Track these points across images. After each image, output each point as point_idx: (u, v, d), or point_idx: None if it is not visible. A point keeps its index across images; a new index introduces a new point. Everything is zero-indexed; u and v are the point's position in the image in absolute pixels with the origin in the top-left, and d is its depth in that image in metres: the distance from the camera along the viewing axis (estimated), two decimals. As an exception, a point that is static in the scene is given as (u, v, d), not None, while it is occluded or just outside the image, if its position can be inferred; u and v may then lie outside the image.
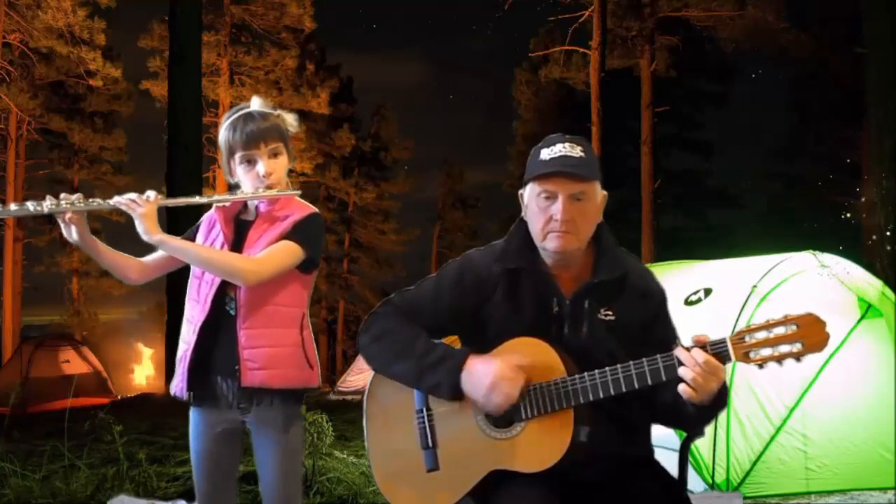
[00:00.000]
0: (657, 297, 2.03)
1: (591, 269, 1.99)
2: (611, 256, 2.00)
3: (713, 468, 4.38)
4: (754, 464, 4.44)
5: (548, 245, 1.93)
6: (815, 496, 4.50)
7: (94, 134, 24.26)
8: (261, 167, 2.18)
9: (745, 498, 4.30)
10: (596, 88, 17.45)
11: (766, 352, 1.76)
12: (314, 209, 2.25)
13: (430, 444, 1.97)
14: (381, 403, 2.07)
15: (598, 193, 1.97)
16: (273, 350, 2.13)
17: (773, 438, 4.49)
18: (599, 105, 17.31)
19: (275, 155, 2.20)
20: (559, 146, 1.93)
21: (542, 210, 1.93)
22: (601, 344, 1.93)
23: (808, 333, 1.74)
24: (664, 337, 1.94)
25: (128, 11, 34.23)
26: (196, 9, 12.03)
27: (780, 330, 1.75)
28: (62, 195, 2.07)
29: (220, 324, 2.15)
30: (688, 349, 1.79)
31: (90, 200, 2.08)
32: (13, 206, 2.05)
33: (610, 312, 1.96)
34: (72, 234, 2.09)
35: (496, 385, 1.84)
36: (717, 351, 1.78)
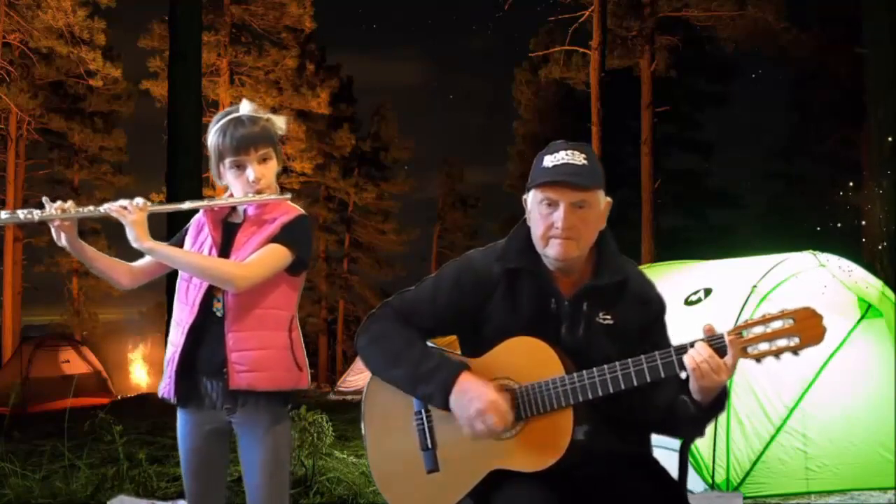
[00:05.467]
0: (656, 306, 2.04)
1: (591, 273, 2.00)
2: (612, 262, 2.01)
3: (713, 468, 4.38)
4: (754, 464, 4.44)
5: (549, 252, 1.94)
6: (815, 496, 4.50)
7: (94, 134, 24.21)
8: (250, 173, 2.18)
9: (745, 498, 4.30)
10: (596, 88, 17.43)
11: (764, 346, 1.77)
12: (301, 211, 2.25)
13: (430, 445, 1.97)
14: (380, 405, 2.07)
15: (601, 201, 1.97)
16: (261, 353, 2.14)
17: (773, 438, 4.49)
18: (599, 105, 17.28)
19: (264, 160, 2.21)
20: (562, 153, 1.92)
21: (543, 217, 1.93)
22: (598, 346, 1.94)
23: (805, 327, 1.75)
24: (661, 344, 1.94)
25: (128, 11, 34.16)
26: (196, 9, 12.01)
27: (777, 324, 1.77)
28: (57, 202, 2.06)
29: (207, 326, 2.16)
30: (692, 344, 1.81)
31: (80, 208, 2.07)
32: (4, 215, 2.04)
33: (609, 316, 1.97)
34: (61, 239, 2.09)
35: (483, 413, 1.84)
36: (715, 346, 1.79)
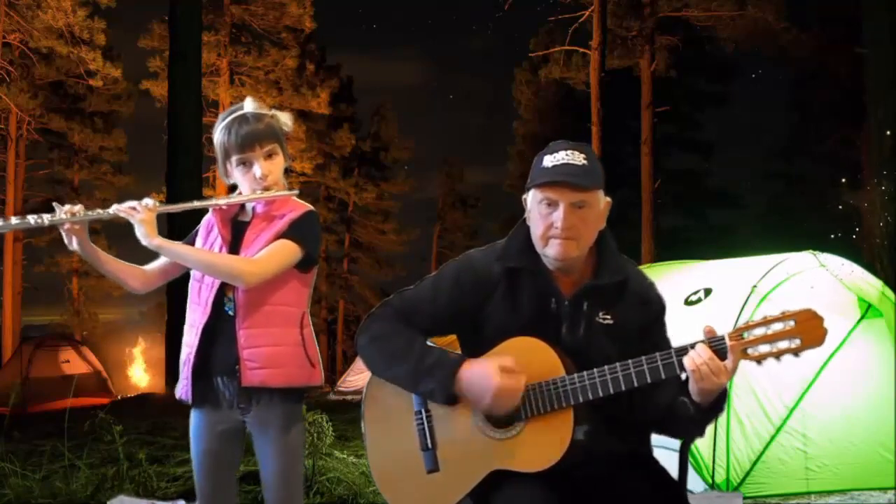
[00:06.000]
0: (657, 306, 2.04)
1: (591, 273, 2.00)
2: (612, 262, 2.01)
3: (713, 468, 4.38)
4: (754, 464, 4.44)
5: (549, 252, 1.94)
6: (815, 496, 4.50)
7: (94, 134, 24.25)
8: (257, 169, 2.19)
9: (745, 498, 4.30)
10: (596, 88, 17.46)
11: (765, 348, 1.77)
12: (310, 207, 2.26)
13: (430, 445, 1.97)
14: (380, 405, 2.07)
15: (601, 201, 1.97)
16: (273, 349, 2.14)
17: (773, 438, 4.49)
18: (599, 105, 17.31)
19: (270, 156, 2.21)
20: (562, 153, 1.93)
21: (543, 217, 1.93)
22: (598, 346, 1.94)
23: (806, 329, 1.75)
24: (660, 344, 1.94)
25: (128, 11, 34.18)
26: (196, 9, 12.03)
27: (777, 326, 1.76)
28: (66, 206, 2.07)
29: (220, 325, 2.17)
30: (692, 345, 1.81)
31: (90, 211, 2.08)
32: (14, 220, 2.06)
33: (609, 316, 1.97)
34: (72, 243, 2.10)
35: (500, 389, 1.84)
36: (716, 347, 1.79)
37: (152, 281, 2.27)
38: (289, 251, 2.14)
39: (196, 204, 2.21)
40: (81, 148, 24.87)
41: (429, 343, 2.02)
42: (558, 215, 1.90)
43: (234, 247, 2.20)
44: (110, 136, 24.81)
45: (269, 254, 2.13)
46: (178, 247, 2.15)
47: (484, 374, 1.87)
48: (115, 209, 2.09)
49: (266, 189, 2.20)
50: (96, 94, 23.45)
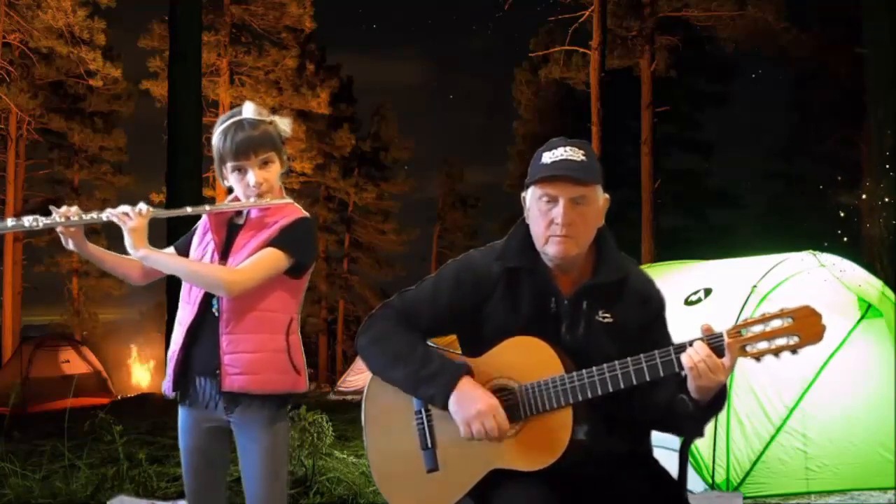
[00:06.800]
0: (656, 304, 2.04)
1: (591, 271, 2.00)
2: (612, 260, 2.01)
3: (713, 468, 4.38)
4: (754, 464, 4.44)
5: (548, 250, 1.94)
6: (815, 496, 4.50)
7: (94, 134, 24.21)
8: (251, 177, 2.19)
9: (745, 498, 4.30)
10: (596, 88, 17.43)
11: (763, 345, 1.77)
12: (304, 214, 2.25)
13: (430, 444, 1.97)
14: (380, 405, 2.07)
15: (600, 197, 1.97)
16: (255, 355, 2.13)
17: (773, 438, 4.50)
18: (599, 105, 17.29)
19: (265, 164, 2.21)
20: (561, 150, 1.93)
21: (543, 214, 1.93)
22: (598, 345, 1.93)
23: (804, 326, 1.75)
24: (661, 342, 1.93)
25: (128, 11, 34.14)
26: (196, 9, 12.01)
27: (776, 323, 1.76)
28: (62, 208, 2.08)
29: (206, 325, 2.17)
30: (691, 343, 1.81)
31: (84, 214, 2.09)
32: (10, 222, 2.08)
33: (608, 315, 1.97)
34: (69, 244, 2.13)
35: (482, 415, 1.85)
36: (714, 344, 1.79)
37: (152, 273, 2.28)
38: (274, 259, 2.13)
39: (189, 210, 2.21)
40: (81, 148, 24.84)
41: (430, 345, 2.02)
42: (558, 211, 1.90)
43: (226, 251, 2.21)
44: (110, 136, 24.77)
45: (253, 263, 2.12)
46: (162, 256, 2.16)
47: (478, 394, 1.87)
48: (108, 214, 2.10)
49: (260, 196, 2.20)
50: (96, 94, 23.42)
